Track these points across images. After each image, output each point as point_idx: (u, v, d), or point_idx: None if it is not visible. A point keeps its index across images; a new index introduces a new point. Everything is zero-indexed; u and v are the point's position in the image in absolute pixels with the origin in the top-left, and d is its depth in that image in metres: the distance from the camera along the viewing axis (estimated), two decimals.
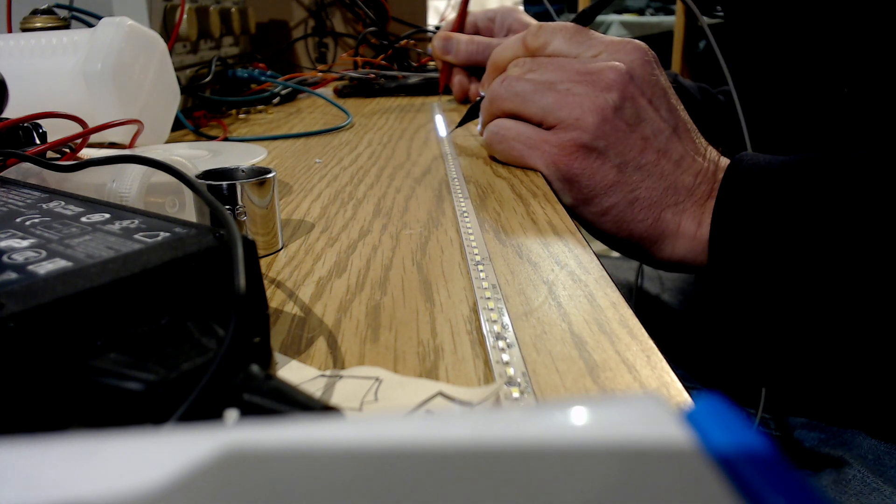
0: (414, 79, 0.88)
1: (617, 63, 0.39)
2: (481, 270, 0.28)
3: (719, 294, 0.38)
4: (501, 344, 0.22)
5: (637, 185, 0.39)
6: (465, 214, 0.36)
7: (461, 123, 0.55)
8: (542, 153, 0.41)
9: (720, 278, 0.37)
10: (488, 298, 0.25)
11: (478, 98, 0.51)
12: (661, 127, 0.39)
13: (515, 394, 0.19)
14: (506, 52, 0.47)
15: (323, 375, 0.21)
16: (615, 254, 0.44)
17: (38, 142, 0.32)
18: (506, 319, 0.23)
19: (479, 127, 0.51)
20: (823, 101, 0.53)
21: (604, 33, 0.43)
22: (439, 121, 0.64)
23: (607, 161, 0.39)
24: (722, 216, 0.37)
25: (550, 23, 0.44)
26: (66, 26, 0.55)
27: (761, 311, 0.37)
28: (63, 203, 0.23)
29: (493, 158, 0.47)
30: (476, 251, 0.30)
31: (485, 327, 0.23)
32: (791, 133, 0.57)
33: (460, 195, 0.39)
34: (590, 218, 0.41)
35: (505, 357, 0.21)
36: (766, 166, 0.37)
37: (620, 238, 0.41)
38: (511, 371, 0.20)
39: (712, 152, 0.41)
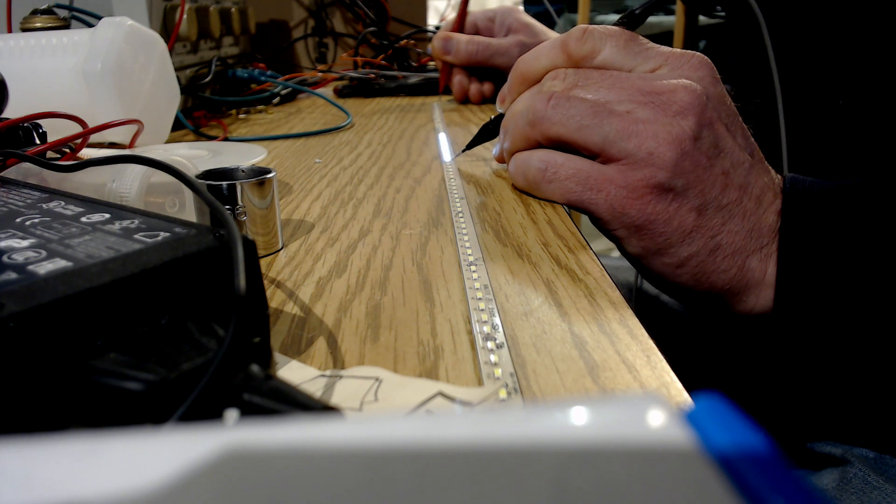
0: (414, 79, 0.88)
1: (689, 82, 0.33)
2: (474, 271, 0.28)
3: (786, 340, 0.34)
4: (491, 344, 0.22)
5: (718, 230, 0.33)
6: (461, 215, 0.36)
7: (471, 146, 0.47)
8: (605, 195, 0.33)
9: (791, 324, 0.33)
10: (479, 299, 0.25)
11: (493, 117, 0.45)
12: (740, 158, 0.33)
13: (503, 395, 0.19)
14: (539, 61, 0.38)
15: (323, 375, 0.21)
16: (615, 254, 0.43)
17: (38, 142, 0.32)
18: (496, 320, 0.24)
19: (495, 150, 0.44)
20: (818, 113, 0.53)
21: None
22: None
23: (686, 203, 0.32)
24: (790, 256, 0.33)
25: (597, 27, 0.36)
26: (66, 26, 0.55)
27: (825, 352, 0.34)
28: (63, 203, 0.23)
29: (520, 190, 0.39)
30: (469, 251, 0.30)
31: (475, 328, 0.23)
32: (788, 143, 0.57)
33: (456, 195, 0.39)
34: (662, 270, 0.34)
35: (493, 358, 0.21)
36: (821, 192, 0.33)
37: (698, 292, 0.34)
38: (499, 372, 0.20)
39: (779, 179, 0.35)
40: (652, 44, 0.36)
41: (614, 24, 0.38)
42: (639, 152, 0.32)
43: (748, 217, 0.33)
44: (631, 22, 0.40)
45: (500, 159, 0.43)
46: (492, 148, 0.47)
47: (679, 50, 0.35)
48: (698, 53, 0.35)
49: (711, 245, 0.33)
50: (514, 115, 0.38)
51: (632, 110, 0.33)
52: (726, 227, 0.33)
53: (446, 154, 0.51)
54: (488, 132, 0.45)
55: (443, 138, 0.58)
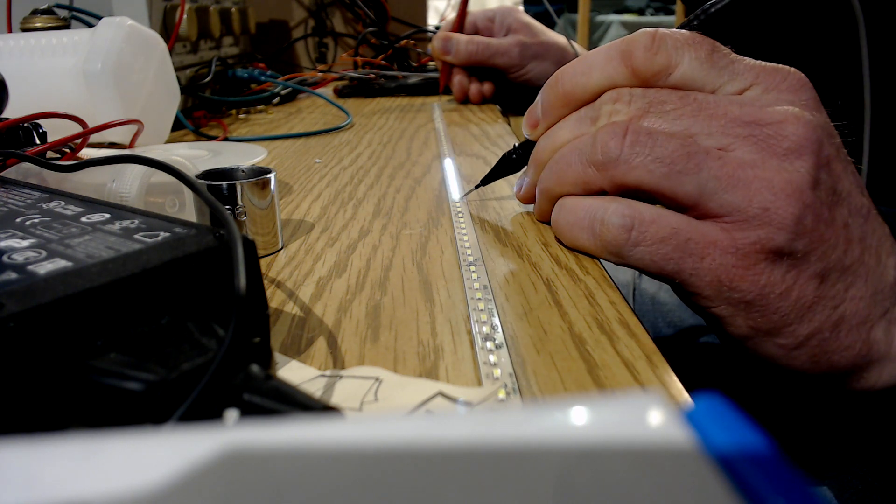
0: (414, 79, 0.88)
1: (796, 109, 0.26)
2: (473, 271, 0.28)
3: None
4: (490, 345, 0.22)
5: (841, 298, 0.26)
6: (460, 215, 0.36)
7: (487, 181, 0.38)
8: (710, 264, 0.26)
9: None
10: (479, 299, 0.25)
11: (517, 145, 0.36)
12: (858, 202, 0.27)
13: (501, 395, 0.19)
14: (590, 77, 0.29)
15: (323, 375, 0.21)
16: None
17: (38, 142, 0.32)
18: (496, 320, 0.23)
19: (517, 187, 0.35)
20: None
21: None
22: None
23: (806, 269, 0.26)
24: None
25: (668, 32, 0.28)
26: (66, 26, 0.55)
27: None
28: (63, 203, 0.23)
29: (565, 246, 0.31)
30: (469, 252, 0.30)
31: (474, 328, 0.23)
32: None
33: (456, 196, 0.39)
34: (774, 353, 0.27)
35: (492, 358, 0.21)
36: None
37: (811, 374, 0.28)
38: (498, 372, 0.20)
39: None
40: (736, 55, 0.28)
41: (682, 27, 0.30)
42: (749, 207, 0.25)
43: (871, 277, 0.27)
44: (707, 25, 0.31)
45: (528, 199, 0.34)
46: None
47: (770, 64, 0.28)
48: (794, 70, 0.28)
49: (835, 318, 0.26)
50: (566, 151, 0.29)
51: (727, 147, 0.26)
52: (849, 293, 0.26)
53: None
54: (510, 164, 0.36)
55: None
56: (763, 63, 0.28)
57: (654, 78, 0.28)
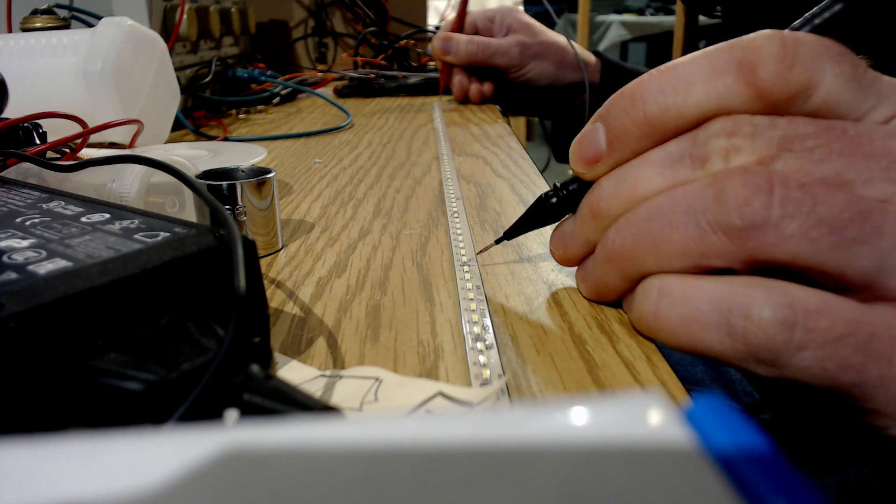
0: (414, 79, 0.88)
1: None
2: (467, 272, 0.28)
3: None
4: (480, 345, 0.22)
5: None
6: (456, 215, 0.36)
7: (514, 234, 0.27)
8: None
9: None
10: (471, 300, 0.25)
11: (558, 185, 0.25)
12: None
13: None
14: (690, 95, 0.20)
15: (323, 375, 0.21)
16: None
17: (38, 142, 0.32)
18: (486, 321, 0.23)
19: (559, 245, 0.25)
20: None
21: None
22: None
23: None
24: None
25: (800, 37, 0.20)
26: (66, 26, 0.55)
27: None
28: (63, 203, 0.23)
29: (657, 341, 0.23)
30: (463, 252, 0.30)
31: (464, 328, 0.23)
32: None
33: (452, 196, 0.39)
34: None
35: (482, 359, 0.21)
36: None
37: None
38: (487, 373, 0.20)
39: None
40: (874, 71, 0.20)
41: (797, 28, 0.23)
42: None
43: None
44: (829, 28, 0.22)
45: (575, 261, 0.25)
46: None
47: None
48: None
49: None
50: (664, 206, 0.20)
51: (891, 198, 0.19)
52: None
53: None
54: (547, 211, 0.26)
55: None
56: None
57: (789, 102, 0.20)
